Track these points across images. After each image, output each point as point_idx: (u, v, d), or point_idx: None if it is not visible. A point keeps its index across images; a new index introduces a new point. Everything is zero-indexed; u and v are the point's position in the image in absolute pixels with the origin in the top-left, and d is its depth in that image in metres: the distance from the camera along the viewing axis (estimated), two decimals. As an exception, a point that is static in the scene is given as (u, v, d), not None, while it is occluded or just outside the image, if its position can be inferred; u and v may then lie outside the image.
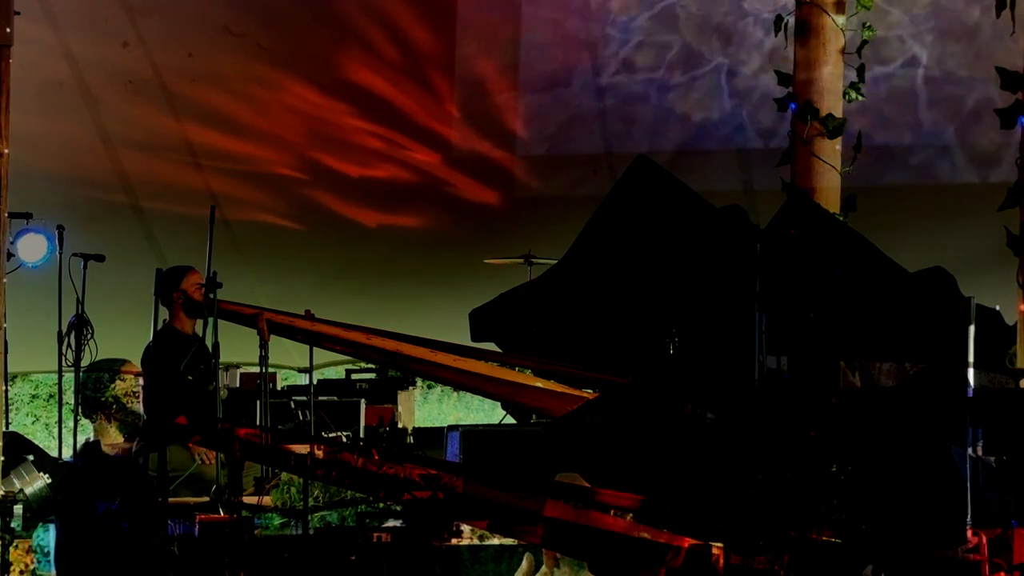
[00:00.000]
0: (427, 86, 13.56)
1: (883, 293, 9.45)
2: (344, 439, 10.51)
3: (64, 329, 10.56)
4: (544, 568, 8.63)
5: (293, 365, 13.65)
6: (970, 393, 8.23)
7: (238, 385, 11.66)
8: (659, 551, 8.09)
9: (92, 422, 11.48)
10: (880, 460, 8.34)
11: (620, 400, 9.46)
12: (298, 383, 12.90)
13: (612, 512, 8.19)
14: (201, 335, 10.33)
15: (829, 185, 10.53)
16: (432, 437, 11.02)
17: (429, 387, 14.32)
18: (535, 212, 13.71)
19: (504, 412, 11.64)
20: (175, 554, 8.63)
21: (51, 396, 14.07)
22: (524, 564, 8.70)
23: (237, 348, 10.91)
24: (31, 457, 9.49)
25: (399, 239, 14.02)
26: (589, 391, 10.38)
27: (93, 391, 11.32)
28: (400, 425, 11.72)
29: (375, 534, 8.76)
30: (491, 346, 10.71)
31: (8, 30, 9.11)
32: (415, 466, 8.39)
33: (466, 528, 8.94)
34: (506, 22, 13.45)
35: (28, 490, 9.30)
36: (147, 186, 13.55)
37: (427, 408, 14.35)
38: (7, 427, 9.66)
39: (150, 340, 10.44)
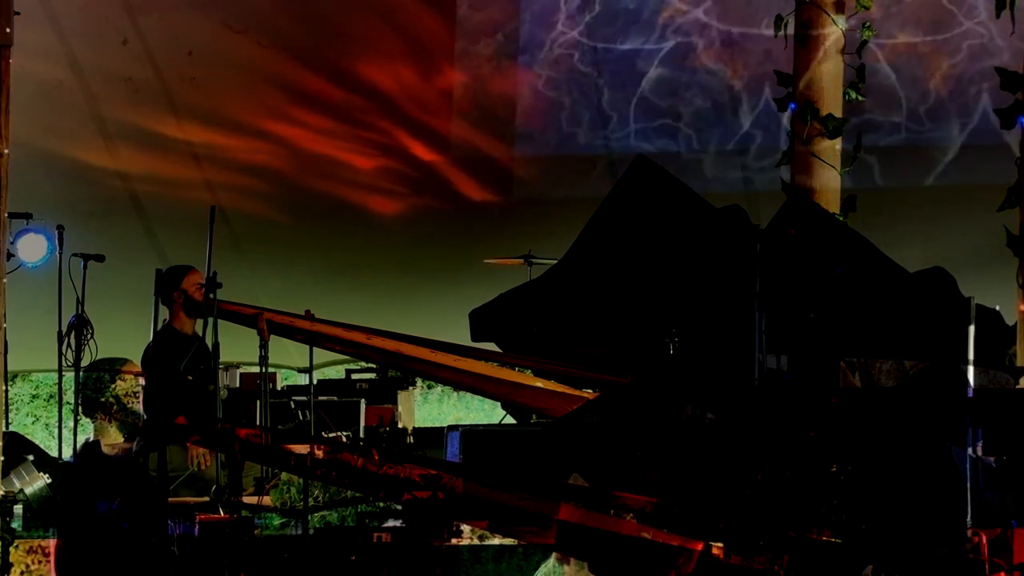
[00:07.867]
0: (428, 83, 13.56)
1: (883, 293, 9.44)
2: (344, 439, 10.50)
3: (64, 329, 10.56)
4: (552, 562, 8.64)
5: (293, 365, 13.64)
6: (970, 393, 8.23)
7: (238, 385, 11.64)
8: (671, 554, 8.08)
9: (92, 422, 11.48)
10: (880, 460, 8.34)
11: (620, 400, 9.44)
12: (298, 383, 12.88)
13: (625, 515, 8.19)
14: (201, 335, 10.32)
15: (829, 185, 10.54)
16: (432, 437, 11.02)
17: (429, 387, 14.31)
18: (535, 212, 13.71)
19: (504, 412, 11.64)
20: (175, 554, 8.63)
21: (51, 396, 14.05)
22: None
23: (237, 348, 10.90)
24: (31, 457, 9.47)
25: (399, 238, 14.02)
26: (589, 391, 10.37)
27: (93, 391, 11.32)
28: (400, 425, 11.72)
29: (375, 534, 8.75)
30: (491, 346, 10.70)
31: (8, 30, 9.09)
32: (415, 466, 8.39)
33: (466, 528, 8.92)
34: (506, 18, 13.47)
35: (28, 490, 9.28)
36: (147, 185, 13.55)
37: (427, 408, 14.34)
38: (7, 427, 9.65)
39: (150, 340, 10.43)
